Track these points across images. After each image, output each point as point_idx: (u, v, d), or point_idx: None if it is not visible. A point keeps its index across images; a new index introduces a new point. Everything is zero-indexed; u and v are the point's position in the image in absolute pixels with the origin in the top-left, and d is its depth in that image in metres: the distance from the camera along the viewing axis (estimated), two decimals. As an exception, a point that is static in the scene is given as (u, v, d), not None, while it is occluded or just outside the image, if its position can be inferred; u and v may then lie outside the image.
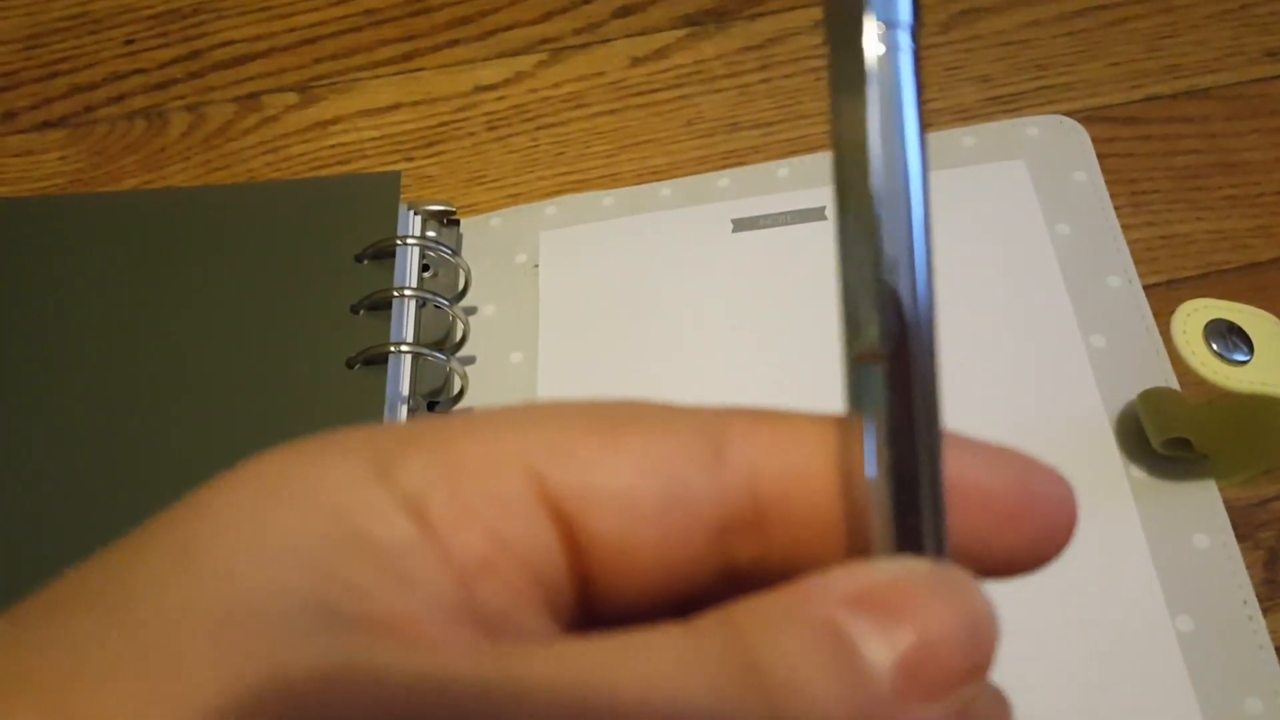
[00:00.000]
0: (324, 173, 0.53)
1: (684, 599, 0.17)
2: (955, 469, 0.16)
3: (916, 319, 0.15)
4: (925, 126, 0.15)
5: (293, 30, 0.58)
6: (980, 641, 0.15)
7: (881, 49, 0.15)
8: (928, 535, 0.16)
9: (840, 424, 0.16)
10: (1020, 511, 0.17)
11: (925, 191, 0.15)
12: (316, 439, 0.16)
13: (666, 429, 0.16)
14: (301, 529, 0.15)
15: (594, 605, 0.17)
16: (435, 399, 0.44)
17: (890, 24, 0.15)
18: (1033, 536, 0.17)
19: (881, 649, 0.14)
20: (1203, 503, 0.39)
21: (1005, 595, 0.38)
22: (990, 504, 0.16)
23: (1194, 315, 0.36)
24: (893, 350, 0.15)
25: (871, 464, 0.16)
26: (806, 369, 0.43)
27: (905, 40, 0.15)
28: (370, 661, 0.14)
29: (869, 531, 0.16)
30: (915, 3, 0.15)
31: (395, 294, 0.44)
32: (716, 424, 0.17)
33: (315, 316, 0.44)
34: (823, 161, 0.49)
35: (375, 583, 0.15)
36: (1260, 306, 0.37)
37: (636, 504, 0.16)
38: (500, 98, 0.55)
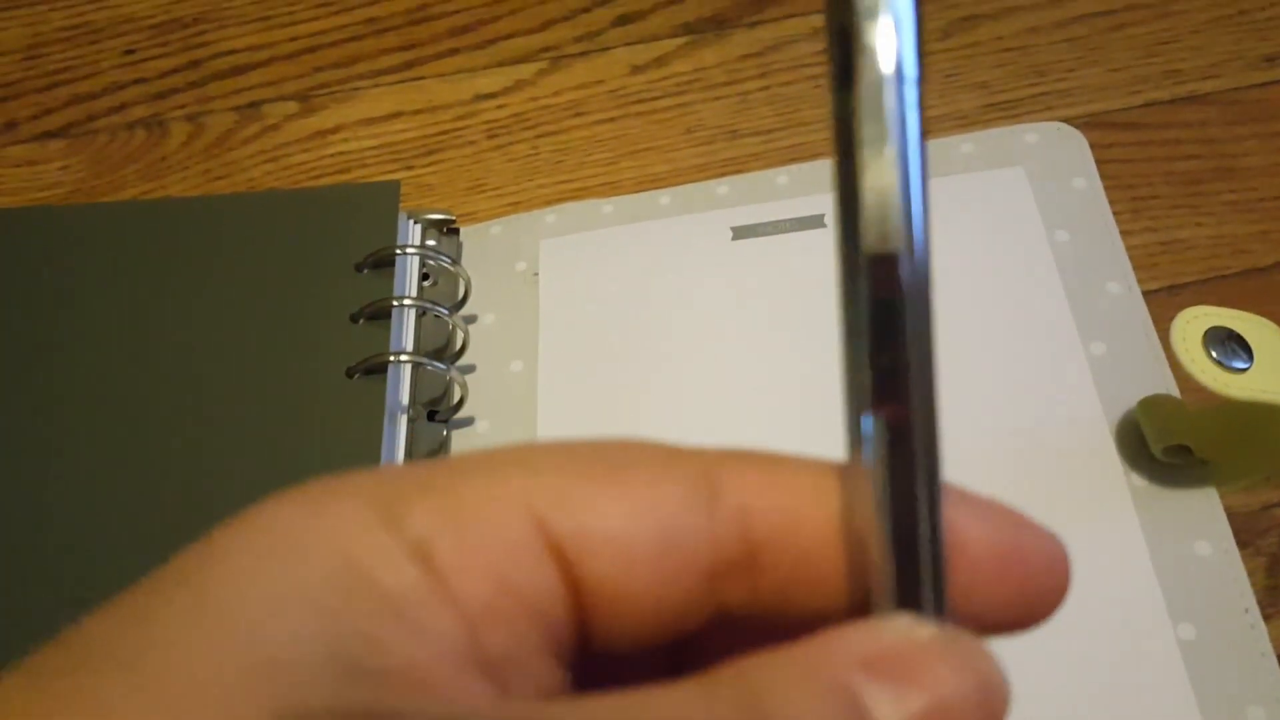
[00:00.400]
0: (324, 182, 0.53)
1: (678, 636, 0.17)
2: (952, 524, 0.16)
3: (920, 376, 0.16)
4: (929, 186, 0.15)
5: (293, 39, 0.58)
6: (992, 708, 0.15)
7: (895, 103, 0.15)
8: (928, 592, 0.16)
9: (837, 471, 0.17)
10: (1014, 569, 0.17)
11: (931, 251, 0.15)
12: (322, 484, 0.16)
13: (663, 472, 0.17)
14: (315, 578, 0.15)
15: (590, 644, 0.17)
16: (435, 408, 0.44)
17: (901, 78, 0.15)
18: (1025, 595, 0.17)
19: (893, 713, 0.15)
20: (1204, 510, 0.39)
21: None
22: (984, 560, 0.17)
23: (1193, 322, 0.36)
24: (895, 405, 0.16)
25: (872, 516, 0.16)
26: (806, 376, 0.43)
27: (913, 95, 0.15)
28: (393, 711, 0.14)
29: (868, 583, 0.16)
30: (922, 56, 0.15)
31: (395, 303, 0.44)
32: (712, 467, 0.17)
33: (315, 326, 0.44)
34: (822, 169, 0.49)
35: (389, 632, 0.15)
36: (1261, 312, 0.37)
37: (633, 547, 0.16)
38: (500, 106, 0.55)
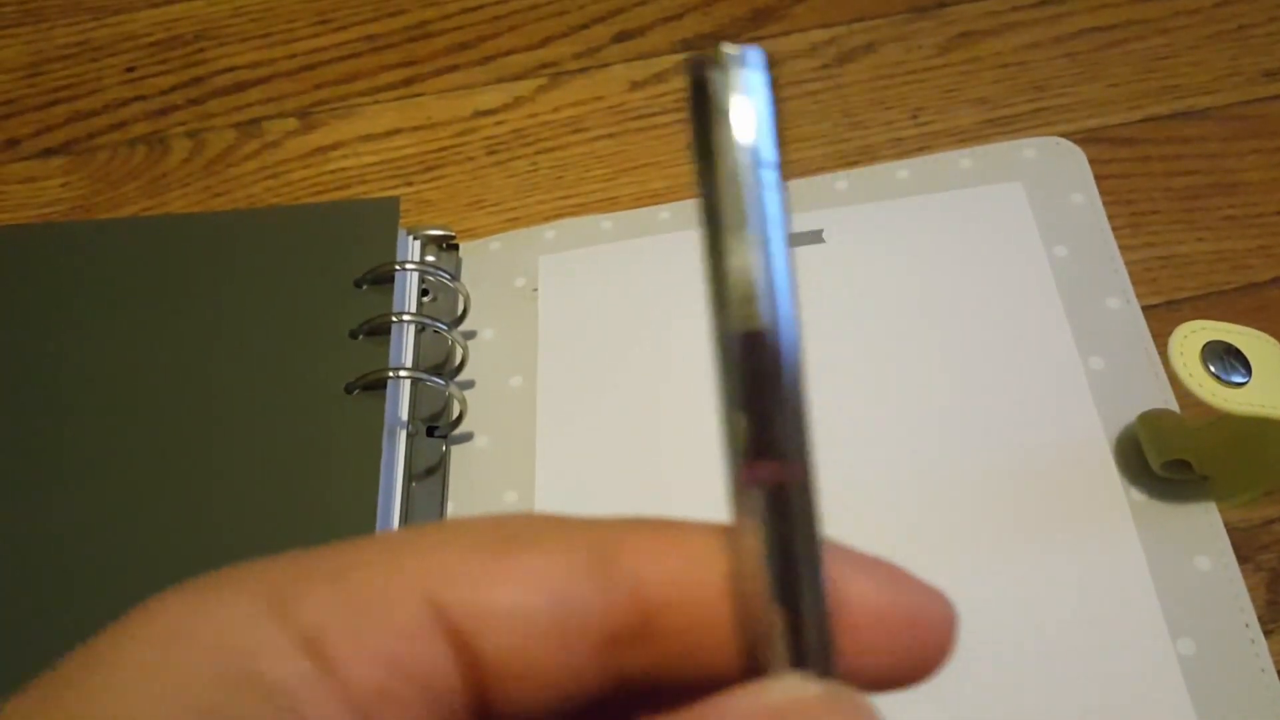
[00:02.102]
0: (324, 198, 0.53)
1: (581, 704, 0.17)
2: (839, 583, 0.17)
3: (795, 442, 0.16)
4: (794, 264, 0.16)
5: (293, 56, 0.59)
6: None
7: (754, 188, 0.16)
8: (814, 652, 0.16)
9: (726, 534, 0.17)
10: (900, 627, 0.17)
11: (798, 327, 0.16)
12: (213, 576, 0.16)
13: (556, 545, 0.17)
14: (201, 674, 0.15)
15: (492, 716, 0.17)
16: (434, 424, 0.44)
17: (759, 163, 0.16)
18: (911, 652, 0.17)
19: None
20: (1204, 525, 0.39)
21: (1009, 619, 0.38)
22: (871, 619, 0.17)
23: (1191, 337, 0.36)
24: (771, 471, 0.16)
25: (757, 579, 0.16)
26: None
27: (772, 177, 0.16)
28: None
29: (758, 644, 0.16)
30: (780, 140, 0.16)
31: (394, 319, 0.44)
32: (606, 536, 0.17)
33: (314, 341, 0.44)
34: (820, 184, 0.49)
35: None
36: (1260, 327, 0.37)
37: (527, 622, 0.16)
38: (500, 122, 0.55)
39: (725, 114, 0.15)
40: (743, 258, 0.16)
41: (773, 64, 0.16)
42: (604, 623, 0.17)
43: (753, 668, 0.17)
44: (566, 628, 0.16)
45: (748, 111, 0.15)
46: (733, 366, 0.16)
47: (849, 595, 0.17)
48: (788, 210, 0.16)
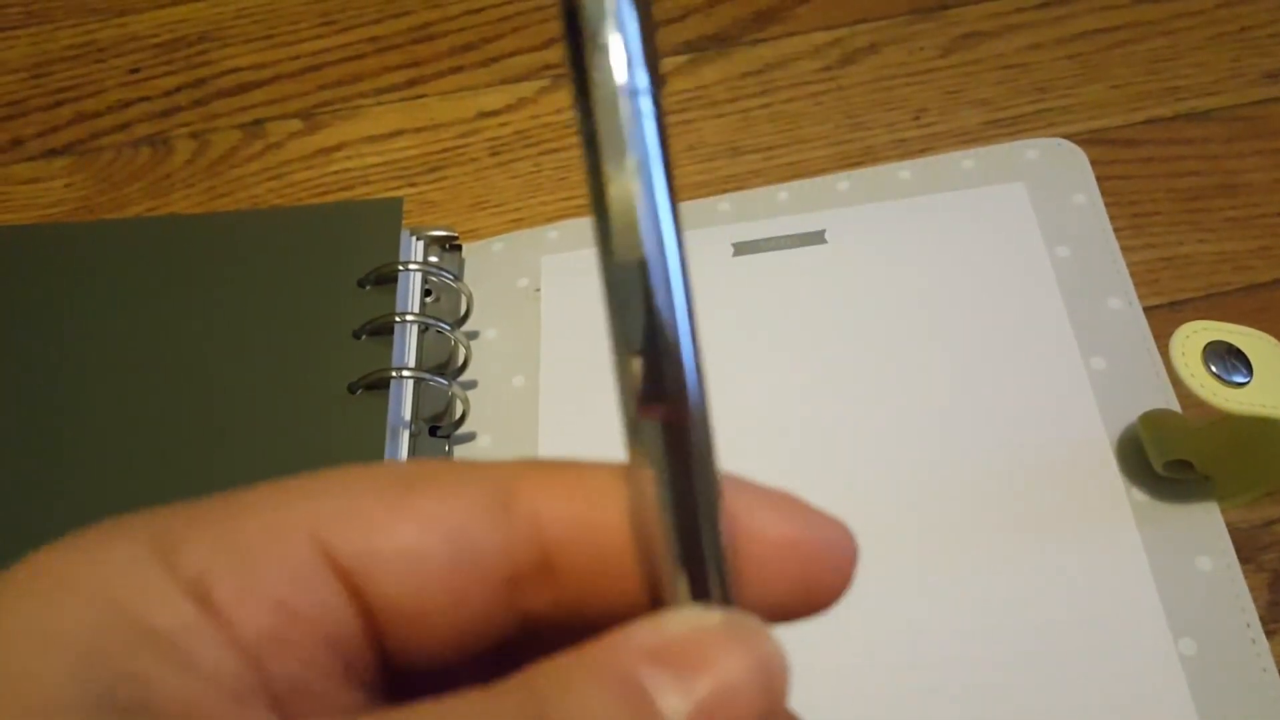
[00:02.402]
0: (327, 199, 0.53)
1: (489, 649, 0.17)
2: (739, 516, 0.17)
3: (686, 374, 0.16)
4: (675, 191, 0.16)
5: (297, 58, 0.59)
6: (773, 685, 0.16)
7: (629, 116, 0.16)
8: (714, 584, 0.16)
9: (625, 472, 0.17)
10: (800, 557, 0.17)
11: (683, 256, 0.16)
12: (99, 527, 0.17)
13: (453, 487, 0.17)
14: (85, 621, 0.15)
15: (396, 662, 0.17)
16: (437, 423, 0.45)
17: (633, 91, 0.15)
18: (810, 582, 0.17)
19: (678, 700, 0.15)
20: (1205, 525, 0.39)
21: (1010, 618, 0.38)
22: (771, 549, 0.17)
23: (1193, 337, 0.36)
24: (663, 403, 0.16)
25: (655, 514, 0.16)
26: (806, 390, 0.43)
27: (647, 105, 0.16)
28: None
29: (659, 579, 0.17)
30: (654, 66, 0.16)
31: (397, 319, 0.44)
32: (505, 478, 0.17)
33: (317, 342, 0.44)
34: (824, 185, 0.49)
35: (155, 670, 0.15)
36: (1263, 328, 0.37)
37: (422, 563, 0.16)
38: (503, 123, 0.55)
39: (597, 42, 0.15)
40: (622, 186, 0.16)
41: None
42: (503, 563, 0.17)
43: (655, 604, 0.17)
44: (465, 570, 0.16)
45: (619, 38, 0.15)
46: (619, 300, 0.16)
47: (749, 527, 0.17)
48: (665, 136, 0.16)
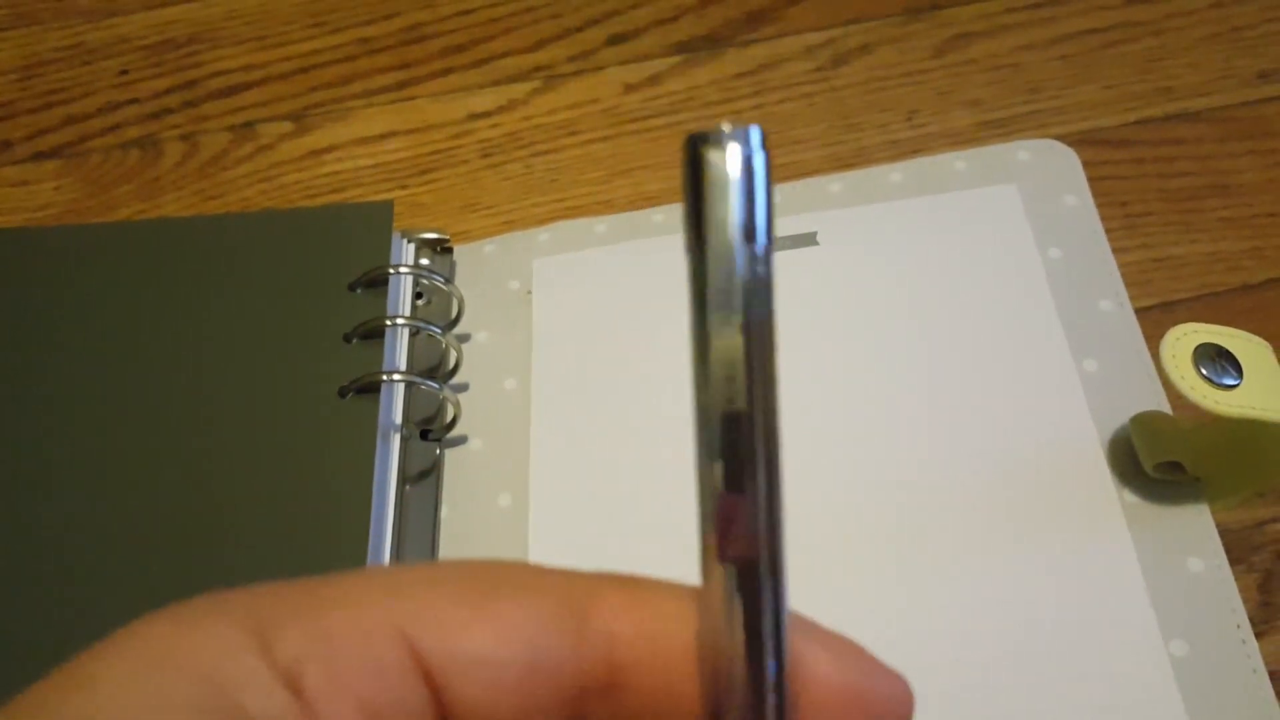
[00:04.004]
0: (318, 201, 0.53)
1: None
2: (800, 658, 0.17)
3: (767, 522, 0.16)
4: (776, 349, 0.16)
5: (287, 59, 0.59)
6: None
7: (745, 275, 0.16)
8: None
9: (697, 600, 0.17)
10: (858, 706, 0.18)
11: (778, 412, 0.16)
12: (197, 602, 0.17)
13: (531, 596, 0.17)
14: (179, 699, 0.15)
15: None
16: (428, 427, 0.44)
17: (750, 254, 0.16)
18: None
19: None
20: (1196, 526, 0.39)
21: (1001, 620, 0.38)
22: (829, 696, 0.17)
23: (1183, 340, 0.36)
24: (742, 548, 0.16)
25: (722, 646, 0.17)
26: (798, 393, 0.43)
27: (764, 269, 0.16)
28: None
29: (720, 708, 0.17)
30: (771, 229, 0.16)
31: (388, 322, 0.44)
32: (582, 591, 0.17)
33: (308, 345, 0.44)
34: (815, 186, 0.49)
35: None
36: (1255, 328, 0.37)
37: (501, 671, 0.17)
38: (494, 125, 0.55)
39: (720, 193, 0.15)
40: (728, 339, 0.16)
41: (767, 143, 0.16)
42: (576, 677, 0.17)
43: None
44: (538, 680, 0.17)
45: (742, 192, 0.15)
46: (711, 441, 0.16)
47: (809, 670, 0.17)
48: (775, 292, 0.16)
